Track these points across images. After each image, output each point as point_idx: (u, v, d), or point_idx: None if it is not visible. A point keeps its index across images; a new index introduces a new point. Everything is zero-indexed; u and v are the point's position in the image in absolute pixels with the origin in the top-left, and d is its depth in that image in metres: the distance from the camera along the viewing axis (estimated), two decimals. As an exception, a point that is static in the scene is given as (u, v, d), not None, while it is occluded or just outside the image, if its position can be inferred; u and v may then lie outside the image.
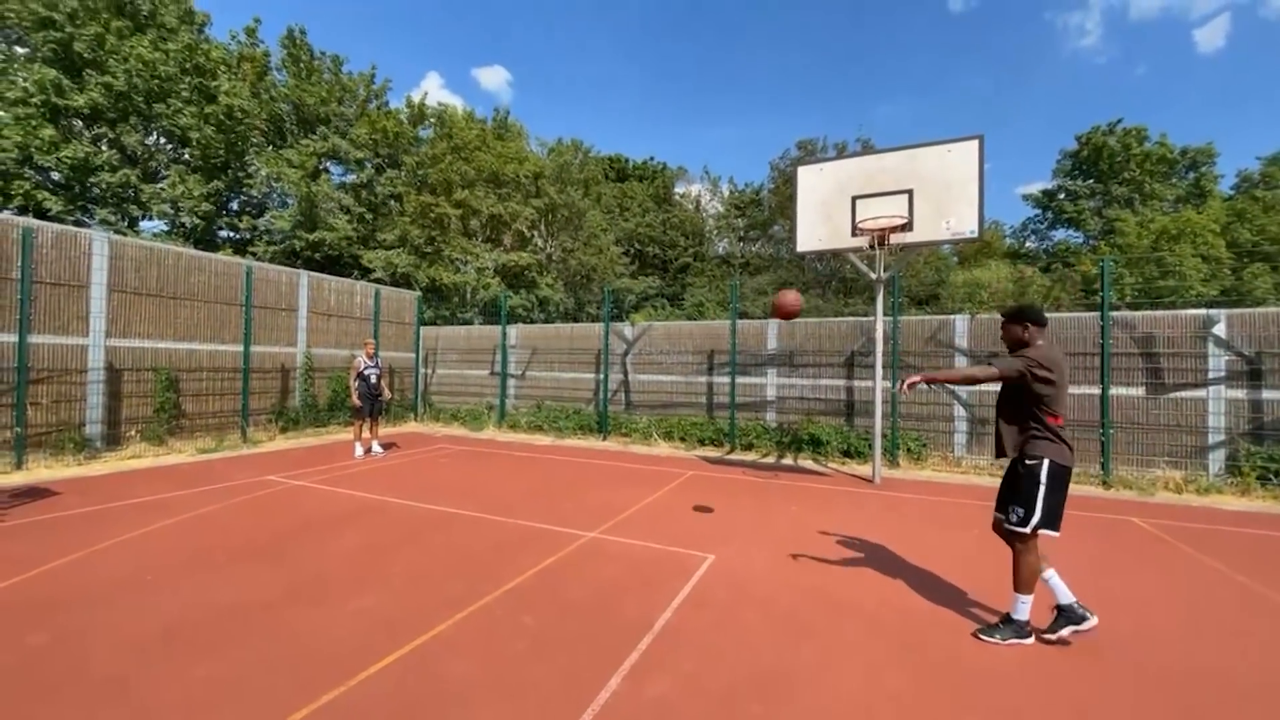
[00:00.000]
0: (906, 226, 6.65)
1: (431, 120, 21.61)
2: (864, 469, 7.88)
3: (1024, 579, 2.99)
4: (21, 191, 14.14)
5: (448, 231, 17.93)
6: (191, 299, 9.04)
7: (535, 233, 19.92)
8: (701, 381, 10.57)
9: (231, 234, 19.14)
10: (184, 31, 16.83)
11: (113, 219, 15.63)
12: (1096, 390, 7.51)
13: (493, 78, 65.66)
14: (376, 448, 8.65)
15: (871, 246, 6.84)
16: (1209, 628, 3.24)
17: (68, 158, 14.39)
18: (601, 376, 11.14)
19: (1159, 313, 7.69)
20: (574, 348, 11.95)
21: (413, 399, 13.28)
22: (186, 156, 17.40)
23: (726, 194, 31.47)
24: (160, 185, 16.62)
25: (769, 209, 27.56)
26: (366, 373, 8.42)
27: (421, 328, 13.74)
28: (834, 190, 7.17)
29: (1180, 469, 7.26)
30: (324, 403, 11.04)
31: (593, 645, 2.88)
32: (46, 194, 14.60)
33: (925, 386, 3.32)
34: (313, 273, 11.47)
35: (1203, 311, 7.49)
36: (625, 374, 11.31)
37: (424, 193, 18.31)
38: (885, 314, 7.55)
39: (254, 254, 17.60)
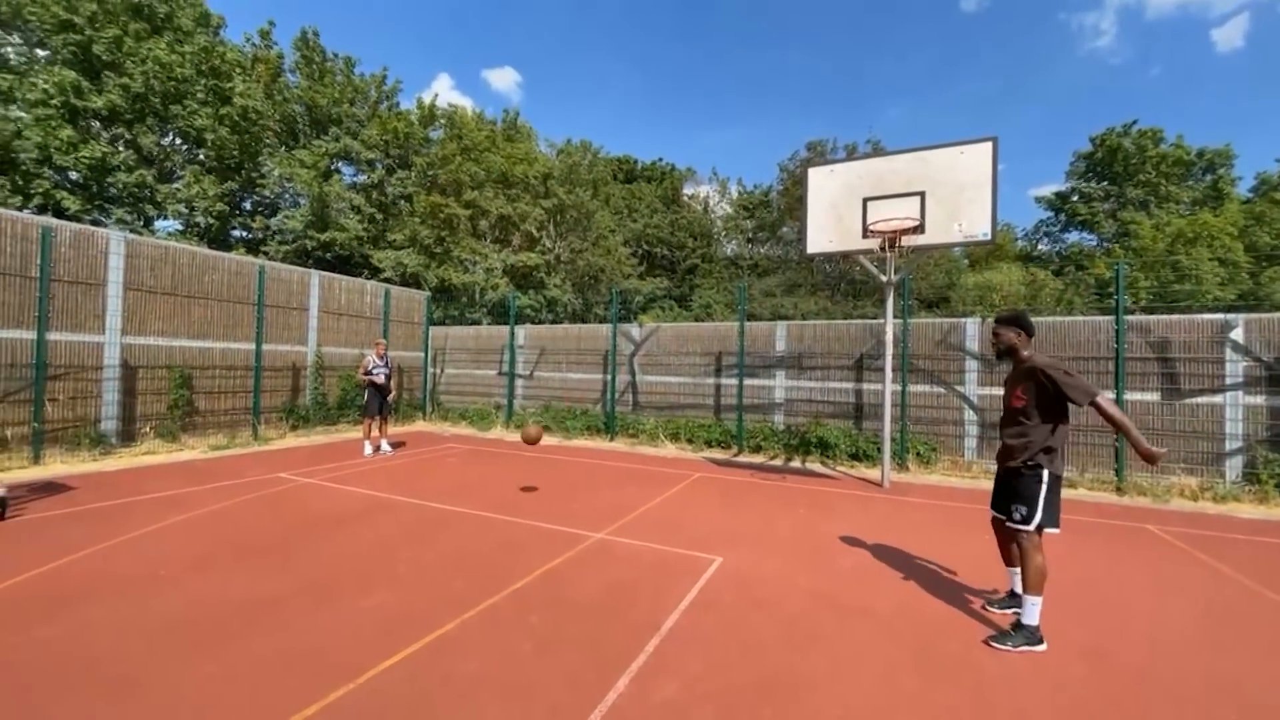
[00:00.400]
0: (918, 229, 6.60)
1: (441, 121, 21.74)
2: (873, 472, 7.82)
3: (1032, 580, 3.02)
4: (41, 191, 14.39)
5: (457, 232, 18.03)
6: (205, 298, 9.16)
7: (544, 233, 19.97)
8: (709, 383, 10.55)
9: (244, 234, 19.36)
10: (200, 34, 17.06)
11: (129, 218, 15.86)
12: (1111, 395, 7.41)
13: (503, 79, 66.00)
14: (386, 446, 8.71)
15: (882, 249, 6.79)
16: (1224, 637, 3.18)
17: (86, 158, 14.61)
18: (609, 377, 11.15)
19: (1175, 317, 7.58)
20: (582, 348, 11.97)
21: (421, 398, 13.36)
22: (201, 157, 17.62)
23: (735, 195, 31.39)
24: (175, 185, 16.85)
25: (778, 211, 27.46)
26: (375, 372, 8.49)
27: (430, 328, 13.83)
28: (844, 192, 7.13)
29: (1196, 476, 7.14)
30: (334, 401, 11.13)
31: (600, 646, 2.88)
32: (65, 193, 14.84)
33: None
34: (324, 272, 11.58)
35: (1220, 316, 7.37)
36: (633, 375, 11.31)
37: (434, 193, 18.42)
38: (895, 316, 7.50)
39: (266, 253, 17.80)
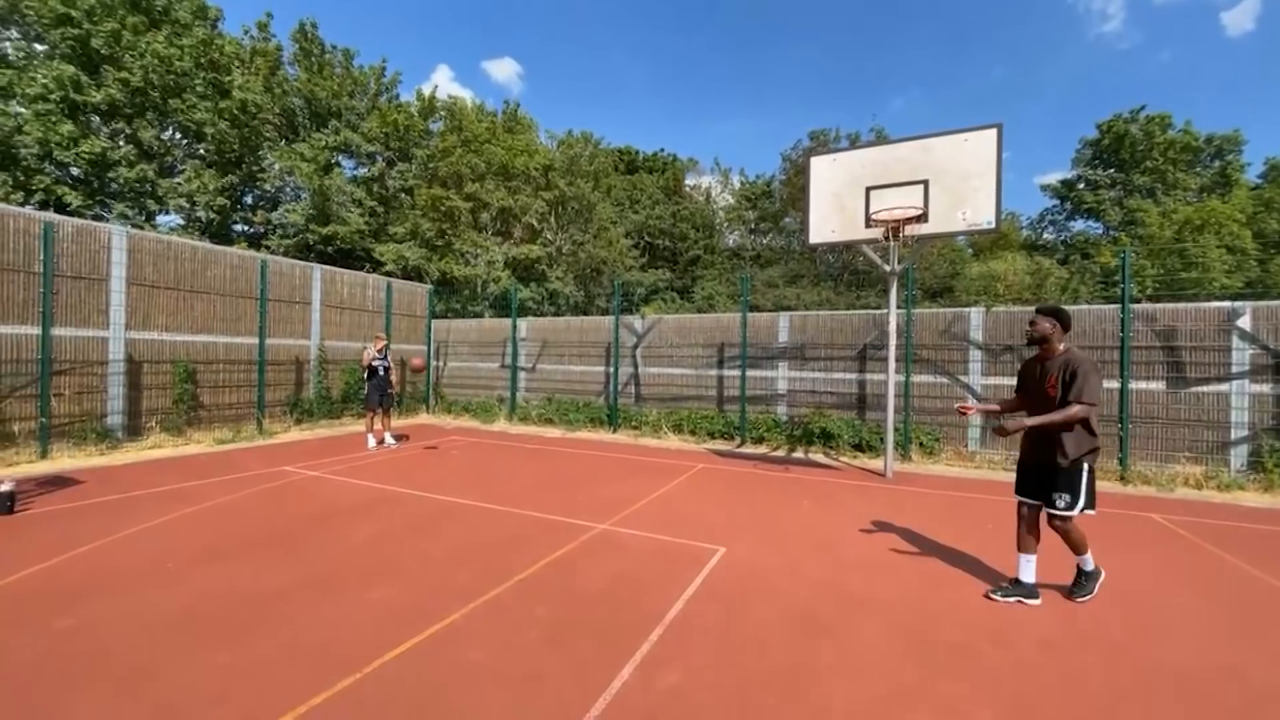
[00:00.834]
0: (922, 218, 6.54)
1: (441, 113, 21.62)
2: (876, 463, 7.82)
3: (1078, 544, 3.37)
4: (42, 186, 14.39)
5: (458, 225, 17.98)
6: (208, 292, 9.17)
7: (545, 226, 19.91)
8: (712, 374, 10.54)
9: (246, 228, 19.36)
10: (198, 27, 16.95)
11: (130, 213, 15.86)
12: (1116, 384, 7.37)
13: (503, 70, 65.50)
14: (389, 439, 8.75)
15: (885, 238, 6.74)
16: (1228, 625, 3.18)
17: (86, 153, 14.59)
18: (611, 369, 11.15)
19: (1181, 305, 7.52)
20: (584, 340, 11.96)
21: (424, 391, 13.40)
22: (201, 151, 17.58)
23: (737, 186, 31.19)
24: (176, 180, 16.83)
25: (780, 201, 27.28)
26: (375, 365, 8.52)
27: (433, 321, 13.84)
28: (847, 181, 7.07)
29: (1201, 465, 7.12)
30: (337, 394, 11.17)
31: (604, 636, 2.90)
32: (66, 189, 14.84)
33: (974, 408, 3.69)
34: (326, 266, 11.58)
35: (1227, 304, 7.31)
36: (635, 367, 11.31)
37: (434, 186, 18.36)
38: (899, 306, 7.46)
39: (268, 248, 17.79)
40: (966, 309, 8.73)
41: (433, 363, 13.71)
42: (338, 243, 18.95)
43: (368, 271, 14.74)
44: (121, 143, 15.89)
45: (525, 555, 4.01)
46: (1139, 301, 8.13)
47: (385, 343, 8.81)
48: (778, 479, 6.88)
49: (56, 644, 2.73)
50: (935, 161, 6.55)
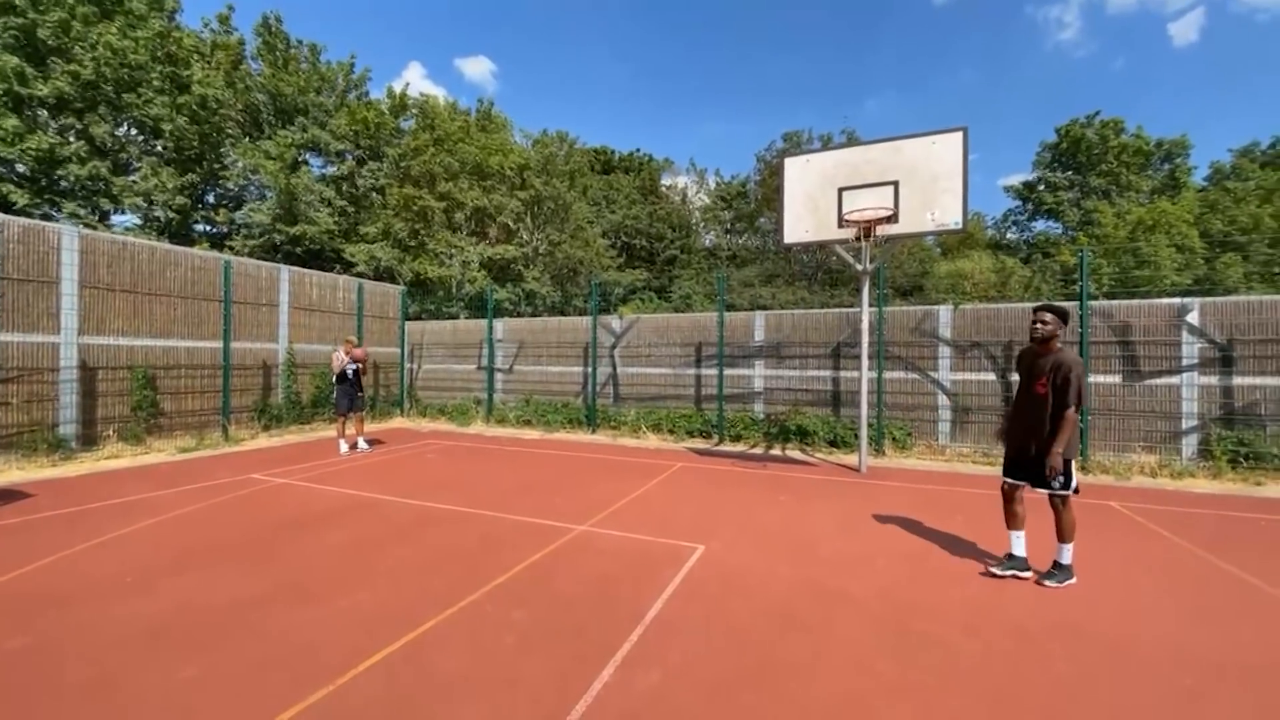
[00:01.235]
0: (892, 218, 6.69)
1: (413, 111, 21.23)
2: (850, 458, 7.97)
3: (1067, 530, 3.62)
4: (-16, 184, 13.65)
5: (432, 224, 17.69)
6: (168, 295, 8.82)
7: (521, 225, 19.72)
8: (689, 374, 10.59)
9: (208, 228, 18.69)
10: (154, 18, 16.28)
11: (82, 212, 15.16)
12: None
13: (476, 68, 64.63)
14: (362, 444, 8.55)
15: (858, 238, 6.88)
16: (1183, 607, 3.33)
17: (33, 149, 13.89)
18: (590, 370, 11.11)
19: (1135, 302, 7.86)
20: (561, 341, 11.89)
21: (398, 395, 13.14)
22: (159, 148, 16.90)
23: (713, 186, 31.44)
24: (132, 178, 16.14)
25: (755, 201, 27.58)
26: (345, 369, 8.33)
27: (406, 322, 13.57)
28: (820, 182, 7.18)
29: (1155, 454, 7.46)
30: (308, 399, 10.87)
31: (584, 638, 2.88)
32: (11, 187, 14.10)
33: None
34: (294, 267, 11.25)
35: (1177, 300, 7.68)
36: (613, 367, 11.29)
37: (407, 185, 18.02)
38: (871, 305, 7.62)
39: (232, 248, 17.20)
40: (936, 307, 8.96)
41: (407, 365, 13.45)
42: (306, 243, 18.44)
43: (338, 272, 14.39)
44: (72, 138, 15.16)
45: (503, 559, 3.97)
46: (1096, 299, 8.47)
47: (356, 348, 8.59)
48: (755, 476, 6.96)
49: (8, 661, 2.58)
50: (905, 163, 6.71)
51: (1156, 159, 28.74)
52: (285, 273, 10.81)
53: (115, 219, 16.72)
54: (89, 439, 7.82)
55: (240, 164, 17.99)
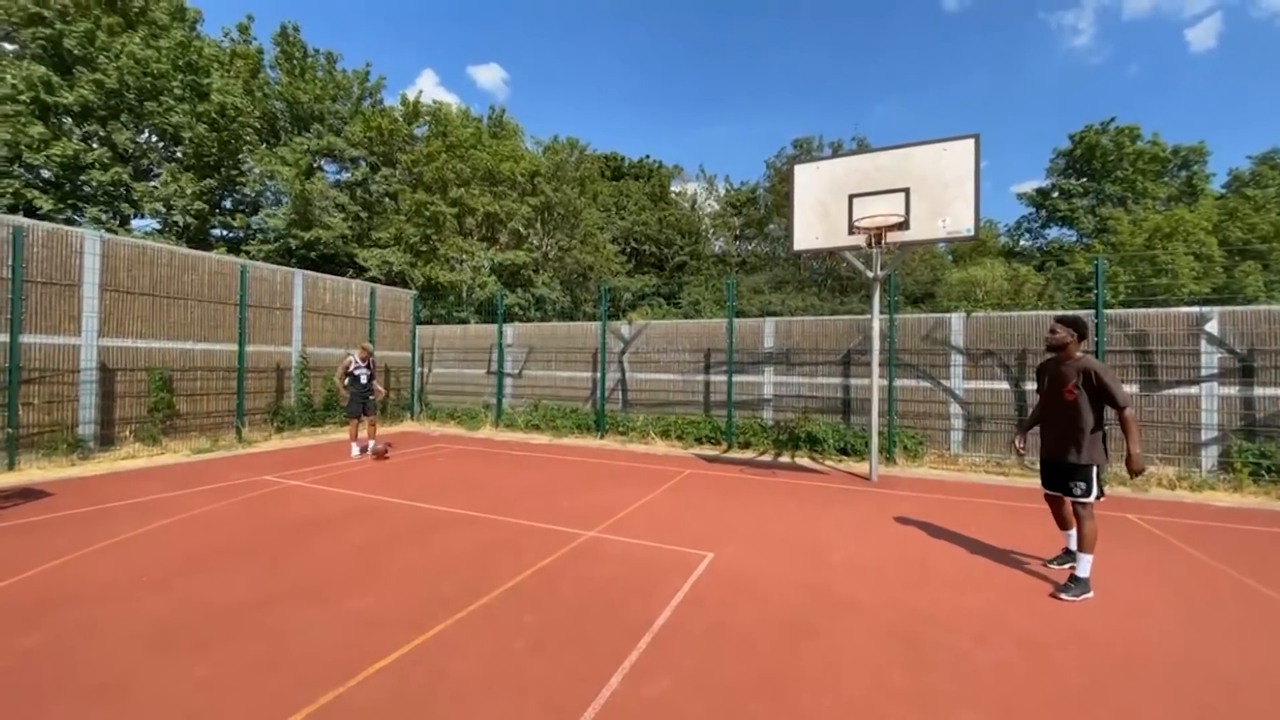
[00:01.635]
0: (903, 225, 6.66)
1: (426, 118, 21.50)
2: (861, 467, 7.91)
3: (1087, 541, 3.65)
4: (11, 190, 14.00)
5: (443, 230, 17.85)
6: (185, 298, 8.97)
7: (531, 231, 19.86)
8: (698, 380, 10.57)
9: (225, 233, 19.00)
10: (176, 28, 16.68)
11: (104, 217, 15.48)
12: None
13: (488, 76, 65.44)
14: (373, 447, 8.62)
15: (868, 245, 6.85)
16: (1202, 621, 3.26)
17: (57, 156, 14.23)
18: (598, 375, 11.13)
19: (1152, 310, 7.74)
20: (571, 346, 11.93)
21: (409, 398, 13.24)
22: (179, 154, 17.25)
23: (723, 192, 31.46)
24: (152, 183, 16.48)
25: (765, 208, 27.59)
26: (356, 373, 8.42)
27: (417, 327, 13.69)
28: (830, 189, 7.17)
29: (1174, 466, 7.32)
30: (320, 402, 10.99)
31: (593, 644, 2.88)
32: (37, 192, 14.45)
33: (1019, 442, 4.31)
34: (308, 271, 11.40)
35: (1195, 309, 7.55)
36: (622, 373, 11.30)
37: (419, 191, 18.23)
38: (882, 312, 7.57)
39: (248, 253, 17.47)
40: (948, 314, 8.89)
41: (418, 369, 13.55)
42: (320, 248, 18.70)
43: (351, 277, 14.57)
44: (95, 145, 15.52)
45: (512, 563, 3.98)
46: (1112, 307, 8.36)
47: (368, 354, 8.69)
48: (764, 483, 6.92)
49: (25, 660, 2.63)
50: (916, 170, 6.68)
51: (1173, 166, 28.40)
52: (299, 277, 10.96)
53: (135, 223, 17.07)
54: (107, 439, 7.95)
55: (257, 170, 18.31)
